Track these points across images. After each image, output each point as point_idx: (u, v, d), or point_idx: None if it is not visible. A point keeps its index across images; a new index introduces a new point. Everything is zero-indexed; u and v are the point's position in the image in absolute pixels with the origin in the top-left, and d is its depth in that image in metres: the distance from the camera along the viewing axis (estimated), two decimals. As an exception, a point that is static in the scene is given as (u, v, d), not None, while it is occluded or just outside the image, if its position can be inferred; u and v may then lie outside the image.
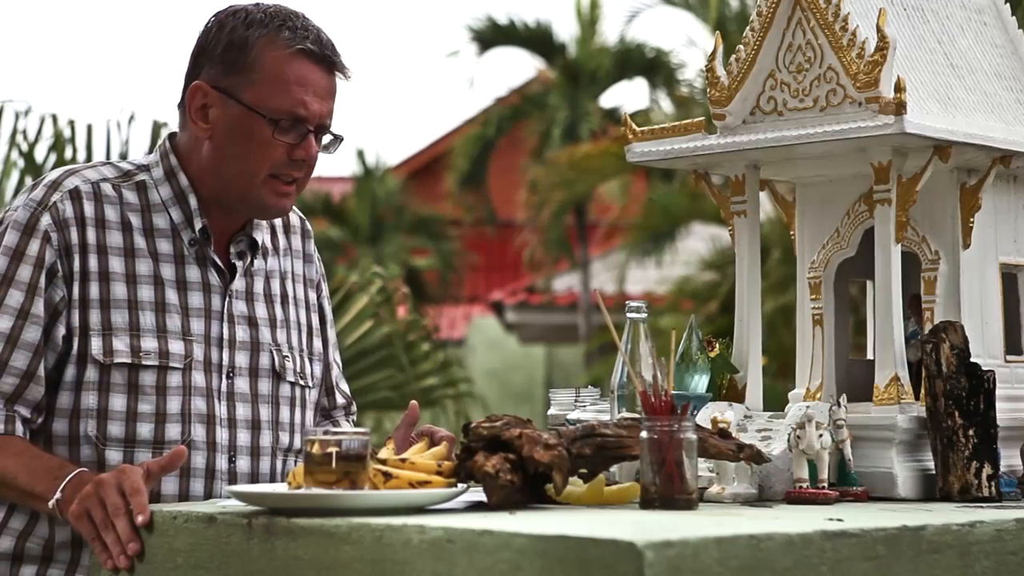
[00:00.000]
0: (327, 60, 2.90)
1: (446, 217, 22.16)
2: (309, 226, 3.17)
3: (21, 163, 6.28)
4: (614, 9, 44.37)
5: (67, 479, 2.68)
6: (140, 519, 2.52)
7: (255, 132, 2.86)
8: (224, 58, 2.88)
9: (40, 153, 6.31)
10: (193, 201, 2.92)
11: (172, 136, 2.99)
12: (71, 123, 6.33)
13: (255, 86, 2.86)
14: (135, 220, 2.89)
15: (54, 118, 6.33)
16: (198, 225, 2.91)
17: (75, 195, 2.86)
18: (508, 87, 24.63)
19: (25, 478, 2.73)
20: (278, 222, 3.08)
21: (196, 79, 2.91)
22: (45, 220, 2.84)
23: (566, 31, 31.08)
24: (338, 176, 24.46)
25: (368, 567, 2.26)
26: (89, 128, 6.39)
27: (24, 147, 6.29)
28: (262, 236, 3.02)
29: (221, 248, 2.96)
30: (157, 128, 6.15)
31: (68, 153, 6.30)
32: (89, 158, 6.31)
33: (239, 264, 2.97)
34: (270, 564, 2.38)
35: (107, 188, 2.90)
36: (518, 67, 57.75)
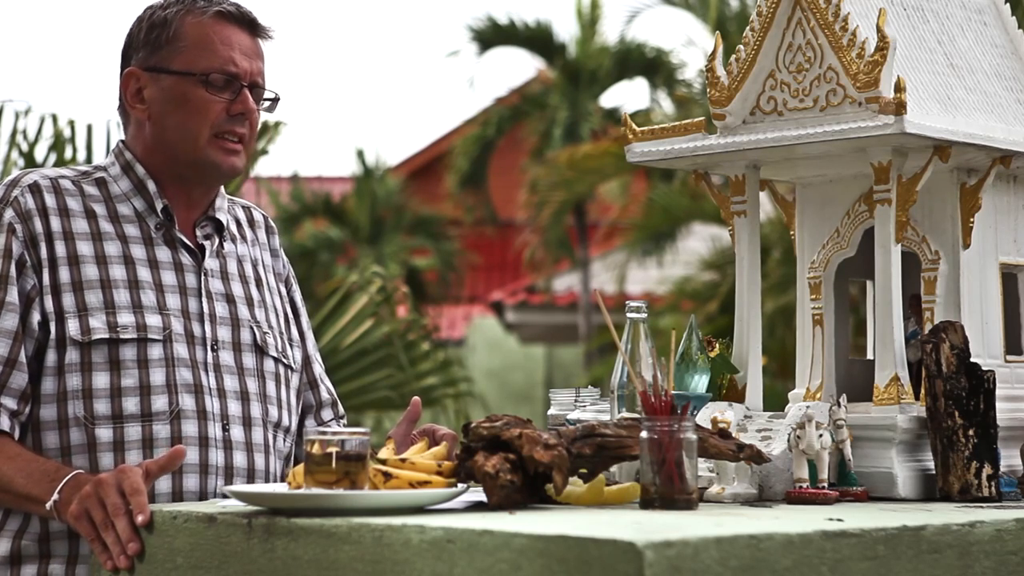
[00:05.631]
0: (247, 20, 3.00)
1: (446, 217, 22.15)
2: (272, 223, 3.23)
3: (21, 163, 6.28)
4: (614, 9, 44.42)
5: (64, 481, 2.68)
6: (140, 519, 2.52)
7: (190, 95, 2.93)
8: (148, 40, 2.97)
9: (40, 153, 6.32)
10: (152, 186, 2.97)
11: (122, 140, 3.05)
12: (71, 123, 6.34)
13: (182, 53, 2.94)
14: (99, 209, 2.94)
15: (54, 118, 6.34)
16: (159, 206, 2.96)
17: (35, 189, 2.91)
18: (508, 87, 24.65)
19: (21, 481, 2.74)
20: (242, 216, 3.13)
21: None
22: (8, 214, 2.88)
23: (566, 31, 31.12)
24: (338, 176, 24.47)
25: (368, 567, 2.26)
26: (89, 128, 6.40)
27: (24, 147, 6.30)
28: (226, 219, 3.06)
29: (187, 232, 3.00)
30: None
31: (68, 153, 6.31)
32: (89, 158, 6.32)
33: (208, 245, 3.00)
34: (270, 564, 2.38)
35: (66, 183, 2.95)
36: (518, 67, 57.90)
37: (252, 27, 3.00)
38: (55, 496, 2.67)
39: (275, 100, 3.03)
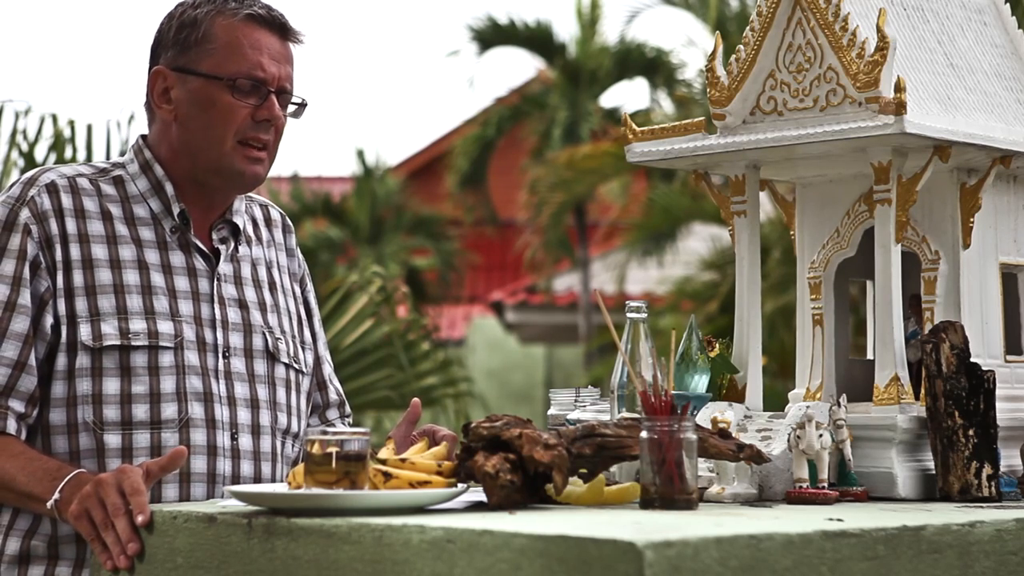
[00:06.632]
0: (277, 24, 2.97)
1: (446, 217, 22.15)
2: (290, 222, 3.21)
3: (21, 163, 6.28)
4: (614, 9, 44.43)
5: (65, 480, 2.68)
6: (140, 519, 2.52)
7: (216, 99, 2.91)
8: (177, 39, 2.94)
9: (40, 153, 6.32)
10: (170, 189, 2.95)
11: (144, 136, 3.03)
12: (71, 123, 6.34)
13: (211, 55, 2.92)
14: (115, 210, 2.93)
15: (54, 118, 6.34)
16: (176, 210, 2.95)
17: (52, 188, 2.89)
18: (508, 87, 24.66)
19: (23, 480, 2.73)
20: (259, 215, 3.12)
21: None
22: (24, 214, 2.86)
23: (566, 31, 31.14)
24: (338, 176, 24.46)
25: (368, 567, 2.26)
26: (89, 128, 6.40)
27: (24, 147, 6.30)
28: (243, 222, 3.04)
29: (203, 235, 2.99)
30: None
31: (68, 153, 6.31)
32: (89, 158, 6.33)
33: (223, 249, 2.99)
34: (270, 564, 2.38)
35: (84, 182, 2.93)
36: (518, 67, 57.94)
37: (283, 31, 2.97)
38: (56, 495, 2.67)
39: (302, 105, 3.00)
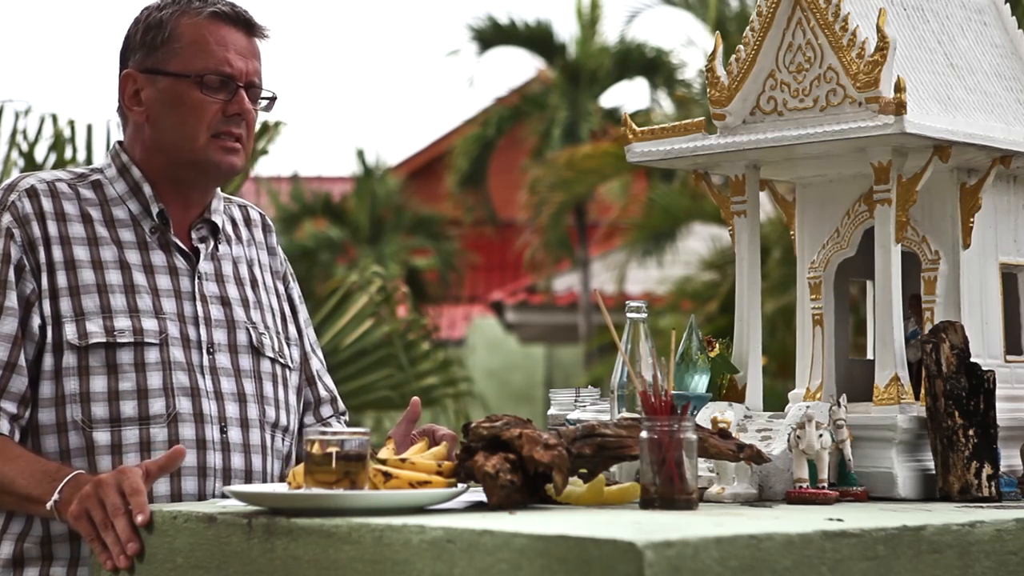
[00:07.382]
0: (242, 20, 3.00)
1: (446, 217, 22.15)
2: (270, 221, 3.24)
3: (21, 163, 6.29)
4: (614, 9, 44.45)
5: (64, 481, 2.69)
6: (140, 519, 2.52)
7: (185, 96, 2.94)
8: (144, 41, 2.98)
9: (40, 153, 6.33)
10: (148, 190, 2.98)
11: (120, 142, 3.06)
12: (71, 123, 6.35)
13: (178, 55, 2.95)
14: (95, 213, 2.95)
15: (54, 118, 6.34)
16: (155, 210, 2.97)
17: (32, 193, 2.92)
18: (508, 87, 24.67)
19: (22, 482, 2.74)
20: (238, 215, 3.14)
21: None
22: (6, 219, 2.89)
23: (566, 31, 31.12)
24: (338, 176, 24.46)
25: (368, 567, 2.26)
26: (89, 128, 6.41)
27: (24, 147, 6.30)
28: (221, 221, 3.07)
29: (182, 235, 3.01)
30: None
31: (68, 153, 6.31)
32: (89, 158, 6.33)
33: (203, 248, 3.01)
34: (270, 564, 2.38)
35: (63, 187, 2.96)
36: (518, 67, 57.94)
37: (248, 27, 3.00)
38: (55, 496, 2.67)
39: (272, 99, 3.04)
